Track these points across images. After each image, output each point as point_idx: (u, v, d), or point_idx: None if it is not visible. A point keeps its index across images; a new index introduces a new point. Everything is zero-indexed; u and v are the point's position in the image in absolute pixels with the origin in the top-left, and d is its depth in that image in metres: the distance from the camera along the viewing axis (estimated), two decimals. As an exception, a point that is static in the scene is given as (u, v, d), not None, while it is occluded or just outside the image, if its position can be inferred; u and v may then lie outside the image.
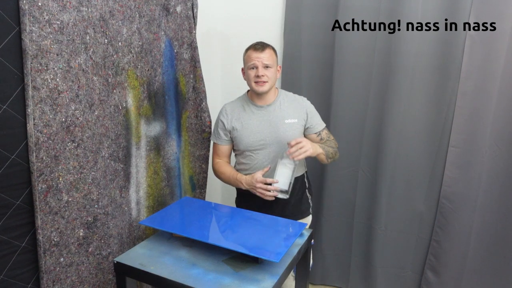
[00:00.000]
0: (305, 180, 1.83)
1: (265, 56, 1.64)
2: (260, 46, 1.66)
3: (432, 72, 2.02)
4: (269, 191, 1.58)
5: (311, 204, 1.85)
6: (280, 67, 1.77)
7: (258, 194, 1.61)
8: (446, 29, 1.94)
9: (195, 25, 1.87)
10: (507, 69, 1.87)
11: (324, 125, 1.80)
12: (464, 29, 1.90)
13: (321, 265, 2.45)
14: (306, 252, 1.46)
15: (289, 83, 2.31)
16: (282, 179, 1.58)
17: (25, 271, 1.23)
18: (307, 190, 1.83)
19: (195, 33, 1.87)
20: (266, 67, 1.65)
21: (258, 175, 1.60)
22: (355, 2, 2.06)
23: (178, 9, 1.75)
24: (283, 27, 2.30)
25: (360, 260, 2.39)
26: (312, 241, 1.78)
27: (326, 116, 2.24)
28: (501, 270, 2.06)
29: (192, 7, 1.84)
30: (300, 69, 2.28)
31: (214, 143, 1.83)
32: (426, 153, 2.11)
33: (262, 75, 1.64)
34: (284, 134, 1.69)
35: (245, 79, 1.73)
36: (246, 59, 1.70)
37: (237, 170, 1.78)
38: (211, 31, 2.39)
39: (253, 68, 1.66)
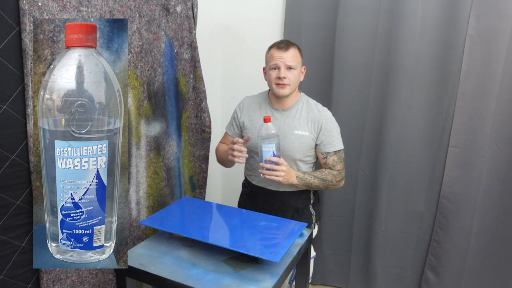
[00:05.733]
0: (311, 195, 1.73)
1: (288, 56, 1.53)
2: (284, 45, 1.54)
3: (432, 72, 2.02)
4: (242, 153, 1.48)
5: (313, 220, 1.73)
6: (304, 68, 1.63)
7: (230, 157, 1.52)
8: (446, 29, 1.94)
9: (195, 25, 1.87)
10: (507, 69, 1.87)
11: (338, 148, 1.63)
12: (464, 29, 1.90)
13: (321, 265, 2.45)
14: (306, 252, 1.46)
15: (289, 83, 2.31)
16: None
17: (25, 271, 1.22)
18: (311, 206, 1.73)
19: (195, 33, 1.87)
20: (289, 68, 1.54)
21: (237, 138, 1.52)
22: (355, 2, 2.06)
23: (178, 9, 1.76)
24: (283, 27, 2.30)
25: (360, 260, 2.38)
26: (314, 254, 1.77)
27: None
28: (501, 270, 2.06)
29: (192, 7, 1.84)
30: (300, 69, 2.28)
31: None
32: (426, 153, 2.11)
33: (284, 77, 1.53)
34: (290, 145, 1.59)
35: (266, 79, 1.63)
36: (268, 58, 1.59)
37: (245, 170, 1.78)
38: (211, 31, 2.39)
39: (274, 69, 1.55)
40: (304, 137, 1.59)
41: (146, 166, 1.67)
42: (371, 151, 2.21)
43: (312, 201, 1.74)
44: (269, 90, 1.68)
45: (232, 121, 1.75)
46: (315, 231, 1.79)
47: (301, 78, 1.62)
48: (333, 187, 1.65)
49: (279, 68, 1.54)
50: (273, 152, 1.47)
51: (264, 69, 1.65)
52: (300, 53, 1.59)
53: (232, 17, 2.45)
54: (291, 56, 1.53)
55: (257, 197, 1.73)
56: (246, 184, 1.81)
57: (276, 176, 1.47)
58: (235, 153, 1.50)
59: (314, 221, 1.74)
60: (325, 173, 1.62)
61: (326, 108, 1.68)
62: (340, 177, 1.66)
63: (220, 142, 1.82)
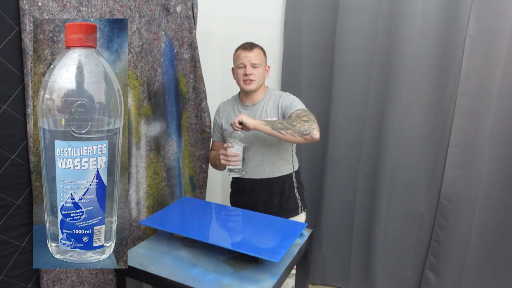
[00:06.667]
0: (293, 179, 1.82)
1: (253, 55, 1.68)
2: (248, 46, 1.71)
3: (432, 72, 2.02)
4: (230, 159, 1.62)
5: (299, 204, 1.83)
6: (269, 67, 1.79)
7: (223, 162, 1.65)
8: (446, 29, 1.94)
9: (195, 25, 1.87)
10: (507, 69, 1.87)
11: (298, 107, 1.65)
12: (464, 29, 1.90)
13: (321, 265, 2.45)
14: (306, 252, 1.46)
15: (289, 83, 2.31)
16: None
17: (25, 271, 1.22)
18: (295, 189, 1.83)
19: (195, 33, 1.87)
20: (254, 66, 1.68)
21: (227, 144, 1.65)
22: (355, 2, 2.06)
23: (178, 9, 1.76)
24: (283, 27, 2.30)
25: (360, 260, 2.39)
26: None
27: (326, 116, 2.25)
28: (501, 270, 2.06)
29: (192, 7, 1.84)
30: (300, 69, 2.28)
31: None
32: (426, 153, 2.11)
33: (250, 74, 1.67)
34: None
35: (234, 78, 1.77)
36: (235, 58, 1.74)
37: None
38: (211, 31, 2.39)
39: (241, 67, 1.70)
40: None
41: (146, 166, 1.67)
42: (371, 151, 2.22)
43: (296, 184, 1.83)
44: (240, 91, 1.81)
45: (214, 128, 1.91)
46: (303, 218, 1.86)
47: (266, 76, 1.77)
48: (309, 137, 1.54)
49: (245, 66, 1.69)
50: (238, 150, 1.62)
51: (232, 69, 1.78)
52: (263, 53, 1.75)
53: (232, 17, 2.45)
54: (255, 55, 1.69)
55: (244, 190, 1.82)
56: (234, 182, 1.92)
57: (237, 120, 1.54)
58: (228, 158, 1.62)
59: (300, 205, 1.83)
60: (292, 119, 1.58)
61: (288, 93, 1.77)
62: (311, 123, 1.55)
63: (211, 149, 1.98)
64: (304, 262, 1.48)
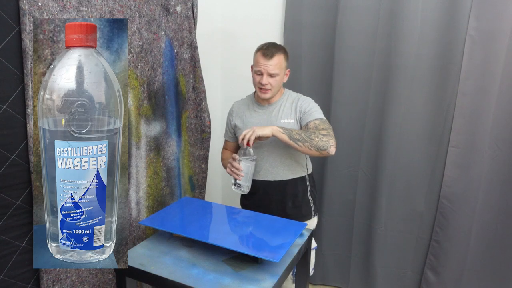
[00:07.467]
0: (307, 182, 1.79)
1: (272, 65, 1.61)
2: (269, 53, 1.61)
3: (432, 72, 2.02)
4: (238, 172, 1.60)
5: (312, 208, 1.79)
6: (289, 71, 1.73)
7: (228, 172, 1.64)
8: (446, 29, 1.94)
9: (195, 25, 1.87)
10: (507, 69, 1.87)
11: (317, 117, 1.63)
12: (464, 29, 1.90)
13: (321, 265, 2.45)
14: (306, 252, 1.46)
15: (289, 83, 2.29)
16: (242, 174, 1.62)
17: (25, 271, 1.22)
18: (309, 193, 1.79)
19: (195, 33, 1.87)
20: (272, 75, 1.62)
21: (235, 154, 1.63)
22: (355, 2, 2.06)
23: (178, 9, 1.76)
24: (283, 27, 2.30)
25: (360, 260, 2.39)
26: (315, 245, 1.79)
27: (326, 116, 2.21)
28: (501, 270, 2.06)
29: (192, 7, 1.84)
30: (300, 69, 2.28)
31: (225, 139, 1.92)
32: (426, 153, 2.11)
33: (266, 84, 1.62)
34: None
35: (252, 76, 1.71)
36: (254, 61, 1.67)
37: None
38: (211, 31, 2.39)
39: (259, 74, 1.64)
40: (290, 124, 1.66)
41: (146, 166, 1.67)
42: (371, 151, 2.21)
43: (309, 187, 1.79)
44: (255, 91, 1.76)
45: (226, 128, 1.88)
46: (315, 222, 1.83)
47: (285, 80, 1.71)
48: (325, 152, 1.53)
49: (262, 75, 1.63)
50: (245, 168, 1.60)
51: (251, 67, 1.71)
52: (285, 58, 1.66)
53: (232, 17, 2.45)
54: (274, 64, 1.61)
55: (256, 192, 1.76)
56: None
57: (250, 135, 1.51)
58: (234, 170, 1.60)
59: (313, 209, 1.79)
60: (311, 132, 1.55)
61: (307, 96, 1.74)
62: (329, 138, 1.53)
63: (223, 149, 1.95)
64: (304, 262, 1.48)
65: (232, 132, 1.83)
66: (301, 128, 1.66)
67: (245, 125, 1.73)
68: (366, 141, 2.22)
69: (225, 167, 1.83)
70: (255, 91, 1.76)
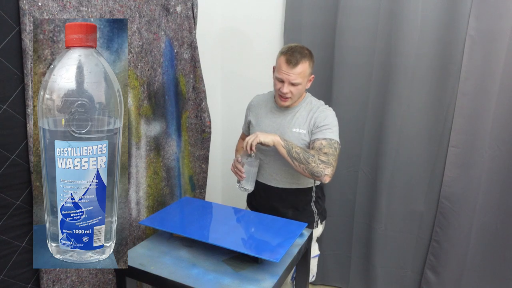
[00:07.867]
0: (313, 193, 1.72)
1: (295, 74, 1.50)
2: (294, 60, 1.50)
3: (432, 72, 2.01)
4: (240, 172, 1.62)
5: (315, 218, 1.73)
6: (313, 77, 1.61)
7: (232, 170, 1.66)
8: (446, 29, 1.94)
9: (195, 25, 1.87)
10: (507, 69, 1.87)
11: (326, 136, 1.53)
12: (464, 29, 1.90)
13: (321, 265, 2.45)
14: (306, 252, 1.46)
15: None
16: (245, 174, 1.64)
17: (25, 271, 1.22)
18: (312, 203, 1.72)
19: (195, 33, 1.87)
20: (293, 84, 1.53)
21: (238, 155, 1.65)
22: (355, 2, 2.06)
23: (178, 9, 1.76)
24: (283, 27, 2.30)
25: (360, 260, 2.39)
26: (318, 253, 1.78)
27: (326, 116, 2.25)
28: (501, 270, 2.06)
29: (192, 7, 1.84)
30: (300, 69, 2.28)
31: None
32: (426, 153, 2.11)
33: (286, 92, 1.54)
34: None
35: (273, 79, 1.62)
36: (277, 65, 1.57)
37: None
38: (211, 31, 2.39)
39: (280, 81, 1.55)
40: (301, 134, 1.61)
41: (146, 166, 1.67)
42: (371, 151, 2.22)
43: (314, 199, 1.73)
44: None
45: (245, 120, 1.86)
46: (319, 230, 1.79)
47: (307, 86, 1.62)
48: (318, 178, 1.49)
49: (283, 82, 1.54)
50: (247, 171, 1.63)
51: (273, 68, 1.62)
52: (310, 63, 1.56)
53: (232, 17, 2.45)
54: (297, 73, 1.51)
55: (258, 193, 1.75)
56: None
57: (252, 140, 1.50)
58: (236, 171, 1.63)
59: (316, 219, 1.74)
60: (310, 154, 1.48)
61: (328, 107, 1.66)
62: (327, 166, 1.46)
63: (240, 138, 1.94)
64: (304, 262, 1.48)
65: (247, 126, 1.81)
66: (309, 141, 1.60)
67: (258, 125, 1.71)
68: (366, 141, 2.22)
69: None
70: None
